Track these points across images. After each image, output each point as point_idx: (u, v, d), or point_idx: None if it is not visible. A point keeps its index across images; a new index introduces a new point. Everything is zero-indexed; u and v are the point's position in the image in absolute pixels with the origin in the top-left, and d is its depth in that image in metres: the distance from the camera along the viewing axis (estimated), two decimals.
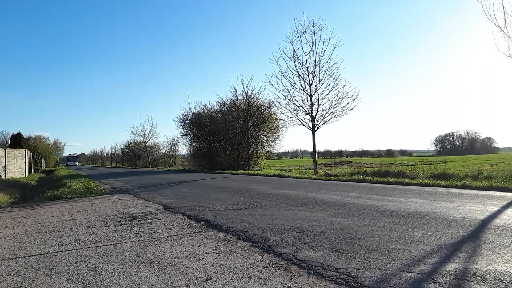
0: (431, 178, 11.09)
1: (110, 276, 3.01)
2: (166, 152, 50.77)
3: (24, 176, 24.50)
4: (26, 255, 3.77)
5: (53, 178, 22.34)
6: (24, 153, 25.64)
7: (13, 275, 3.12)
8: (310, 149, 19.80)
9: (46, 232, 4.98)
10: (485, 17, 8.68)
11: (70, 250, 3.93)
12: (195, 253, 3.61)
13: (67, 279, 2.96)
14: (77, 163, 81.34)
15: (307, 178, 14.47)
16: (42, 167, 43.50)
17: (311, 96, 17.08)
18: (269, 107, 26.17)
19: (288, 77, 17.72)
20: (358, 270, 2.93)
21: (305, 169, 27.42)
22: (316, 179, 13.92)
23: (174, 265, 3.25)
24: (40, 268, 3.29)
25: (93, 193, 10.17)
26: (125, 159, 60.24)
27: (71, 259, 3.55)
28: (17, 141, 32.20)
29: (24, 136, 36.37)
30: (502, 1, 8.46)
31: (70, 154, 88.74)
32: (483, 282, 2.58)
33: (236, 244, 3.94)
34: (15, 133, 34.72)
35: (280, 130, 27.81)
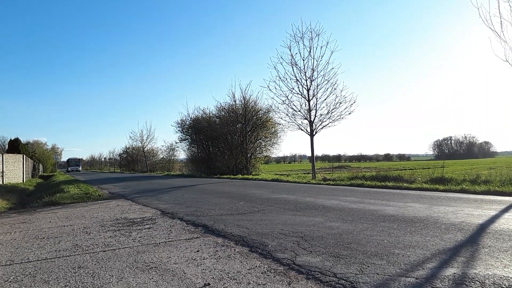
0: (429, 182, 11.10)
1: (107, 282, 2.99)
2: (164, 157, 50.85)
3: (22, 181, 24.40)
4: (23, 261, 3.75)
5: (51, 183, 22.25)
6: (21, 159, 25.55)
7: (10, 282, 3.10)
8: (309, 154, 19.82)
9: (44, 238, 4.95)
10: (482, 21, 8.75)
11: (68, 256, 3.91)
12: (193, 259, 3.60)
13: (65, 285, 2.95)
14: (80, 168, 66.91)
15: (306, 183, 14.47)
16: (40, 173, 43.33)
17: (309, 100, 17.14)
18: (267, 111, 26.31)
19: (286, 82, 17.78)
20: (356, 275, 2.92)
21: (304, 173, 27.50)
22: (315, 183, 13.92)
23: (172, 270, 3.24)
24: (37, 274, 3.27)
25: (91, 199, 10.13)
26: (123, 164, 60.11)
27: (68, 265, 3.53)
28: (14, 146, 32.17)
29: (22, 141, 36.33)
30: (498, 6, 8.53)
31: (70, 158, 70.97)
32: (482, 287, 2.59)
33: (235, 250, 3.93)
34: (12, 138, 34.74)
35: (278, 134, 27.95)
